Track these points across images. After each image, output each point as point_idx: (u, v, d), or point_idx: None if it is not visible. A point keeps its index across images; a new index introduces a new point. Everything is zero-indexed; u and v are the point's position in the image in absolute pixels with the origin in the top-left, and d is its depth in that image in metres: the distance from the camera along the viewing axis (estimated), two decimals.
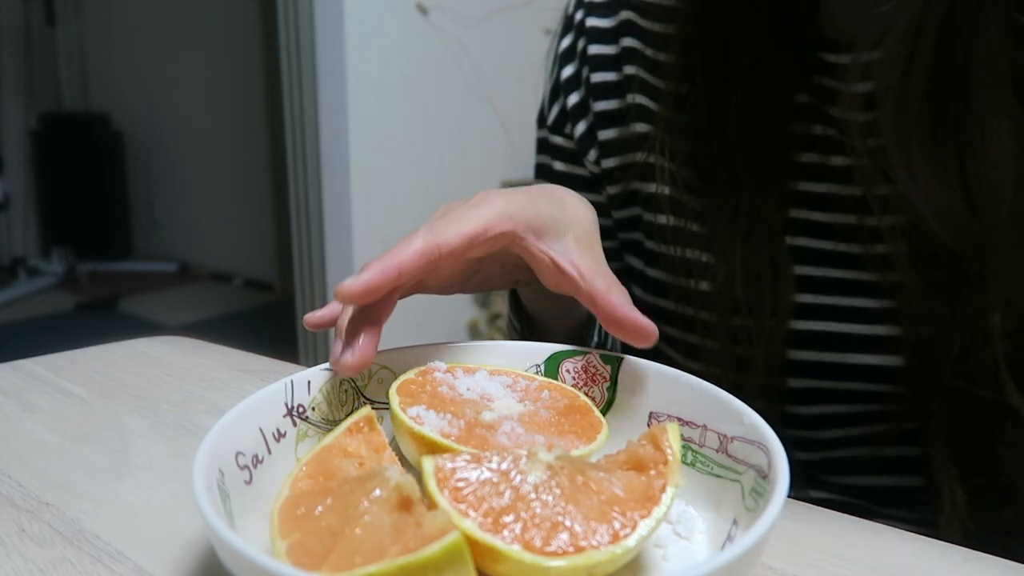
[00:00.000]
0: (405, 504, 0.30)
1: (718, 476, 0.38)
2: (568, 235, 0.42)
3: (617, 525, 0.30)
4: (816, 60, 0.54)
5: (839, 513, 0.42)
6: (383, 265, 0.37)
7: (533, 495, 0.31)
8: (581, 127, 0.63)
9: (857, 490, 0.57)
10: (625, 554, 0.30)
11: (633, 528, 0.30)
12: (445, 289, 0.46)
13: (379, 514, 0.29)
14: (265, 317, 3.40)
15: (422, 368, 0.43)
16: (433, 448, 0.36)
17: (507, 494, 0.31)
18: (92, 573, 0.36)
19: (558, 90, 0.65)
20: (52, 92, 4.29)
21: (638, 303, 0.42)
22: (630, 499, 0.32)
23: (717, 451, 0.38)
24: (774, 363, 0.54)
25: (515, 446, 0.36)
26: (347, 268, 2.27)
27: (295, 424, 0.39)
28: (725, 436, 0.38)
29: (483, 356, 0.45)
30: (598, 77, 0.62)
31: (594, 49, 0.62)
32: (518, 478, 0.32)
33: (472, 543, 0.28)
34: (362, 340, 0.38)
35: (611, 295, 0.40)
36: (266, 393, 0.39)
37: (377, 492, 0.30)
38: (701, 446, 0.39)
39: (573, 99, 0.64)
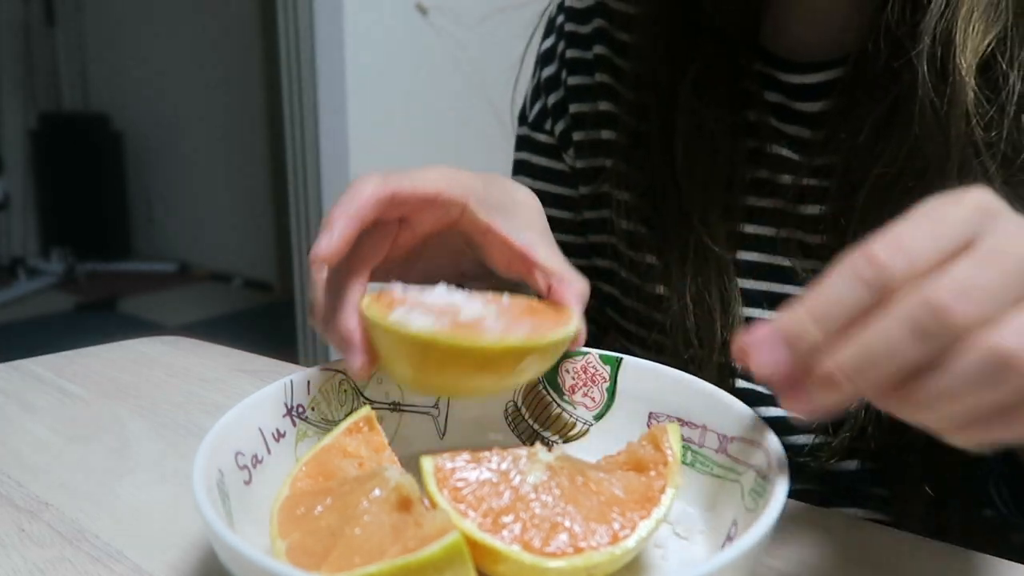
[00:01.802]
0: (405, 504, 0.30)
1: (718, 476, 0.38)
2: (518, 217, 0.42)
3: (616, 526, 0.30)
4: (767, 77, 0.56)
5: (839, 513, 0.42)
6: (346, 215, 0.37)
7: (533, 495, 0.31)
8: (560, 126, 0.65)
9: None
10: (624, 555, 0.30)
11: (632, 529, 0.30)
12: (387, 272, 0.44)
13: (379, 514, 0.29)
14: (265, 317, 3.39)
15: (380, 290, 0.41)
16: (426, 349, 0.34)
17: (507, 494, 0.31)
18: (92, 573, 0.36)
19: (539, 89, 0.67)
20: (52, 92, 4.27)
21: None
22: (630, 500, 0.32)
23: (717, 451, 0.38)
24: (724, 367, 0.55)
25: (505, 332, 0.35)
26: None
27: (294, 424, 0.39)
28: (725, 436, 0.38)
29: None
30: (574, 80, 0.64)
31: (571, 53, 0.64)
32: (518, 478, 0.32)
33: (471, 543, 0.28)
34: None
35: (569, 278, 0.41)
36: (266, 393, 0.39)
37: (377, 492, 0.30)
38: (701, 446, 0.39)
39: (553, 98, 0.66)
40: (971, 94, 0.45)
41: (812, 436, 0.54)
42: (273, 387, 0.39)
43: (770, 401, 0.56)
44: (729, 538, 0.34)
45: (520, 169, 0.69)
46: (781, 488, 0.31)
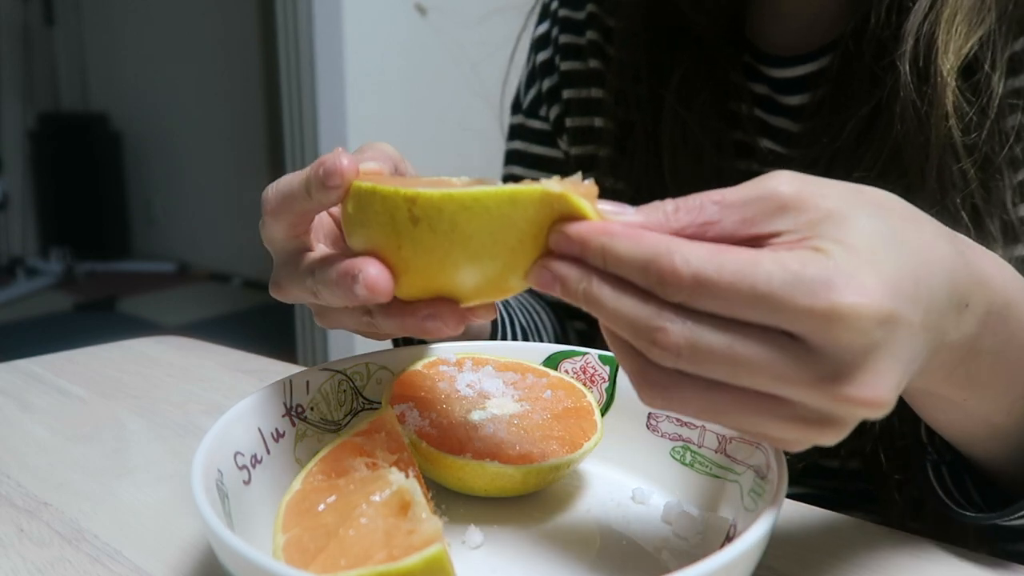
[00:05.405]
0: (402, 509, 0.29)
1: (717, 476, 0.38)
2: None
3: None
4: (752, 69, 0.56)
5: (838, 513, 0.42)
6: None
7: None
8: (555, 111, 0.65)
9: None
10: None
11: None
12: None
13: (375, 518, 0.29)
14: (264, 317, 3.39)
15: (431, 359, 0.43)
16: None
17: None
18: (91, 573, 0.36)
19: (534, 74, 0.67)
20: (51, 92, 4.27)
21: None
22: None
23: (716, 451, 0.38)
24: None
25: (489, 451, 0.37)
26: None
27: (294, 424, 0.39)
28: (724, 436, 0.38)
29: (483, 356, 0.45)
30: (567, 66, 0.64)
31: (564, 39, 0.64)
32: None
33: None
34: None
35: None
36: (265, 393, 0.39)
37: (376, 496, 0.30)
38: (700, 446, 0.39)
39: (547, 84, 0.66)
40: (951, 96, 0.45)
41: None
42: (272, 387, 0.39)
43: None
44: (728, 538, 0.34)
45: (512, 158, 0.69)
46: (780, 488, 0.31)
